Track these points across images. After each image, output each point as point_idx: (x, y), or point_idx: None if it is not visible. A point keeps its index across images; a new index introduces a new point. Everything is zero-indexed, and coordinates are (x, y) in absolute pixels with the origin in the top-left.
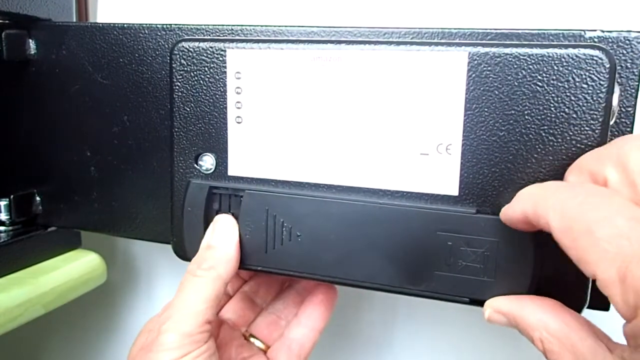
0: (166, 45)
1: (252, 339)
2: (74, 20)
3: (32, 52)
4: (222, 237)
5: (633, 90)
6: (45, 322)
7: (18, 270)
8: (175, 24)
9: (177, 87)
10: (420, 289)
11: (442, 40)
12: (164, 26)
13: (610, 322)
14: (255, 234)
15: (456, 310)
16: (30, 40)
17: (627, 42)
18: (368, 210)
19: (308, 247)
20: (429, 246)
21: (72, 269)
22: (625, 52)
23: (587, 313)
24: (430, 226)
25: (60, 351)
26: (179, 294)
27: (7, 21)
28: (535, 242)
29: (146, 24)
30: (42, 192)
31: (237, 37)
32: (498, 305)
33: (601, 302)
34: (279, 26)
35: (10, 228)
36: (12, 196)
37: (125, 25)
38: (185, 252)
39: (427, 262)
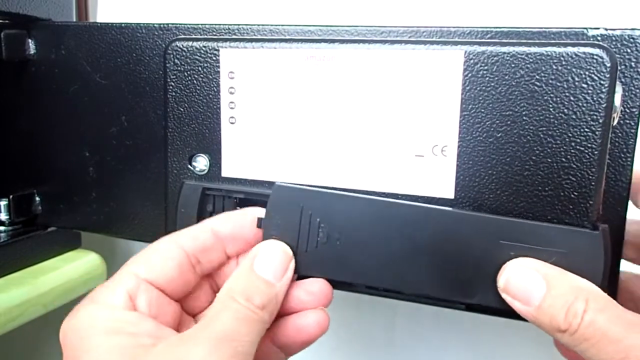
0: (163, 45)
1: None
2: (74, 20)
3: (32, 52)
4: (283, 273)
5: (637, 90)
6: (45, 322)
7: (18, 270)
8: (172, 24)
9: (170, 87)
10: (473, 301)
11: (438, 39)
12: (161, 25)
13: None
14: (285, 234)
15: (455, 312)
16: (30, 40)
17: (632, 40)
18: (418, 212)
19: (347, 250)
20: (487, 255)
21: (72, 269)
22: (629, 50)
23: None
24: (492, 234)
25: (60, 351)
26: (212, 323)
27: (6, 21)
28: (607, 256)
29: (143, 24)
30: (42, 192)
31: (231, 37)
32: None
33: None
34: (275, 25)
35: (10, 228)
36: (11, 196)
37: (122, 24)
38: None
39: (484, 272)
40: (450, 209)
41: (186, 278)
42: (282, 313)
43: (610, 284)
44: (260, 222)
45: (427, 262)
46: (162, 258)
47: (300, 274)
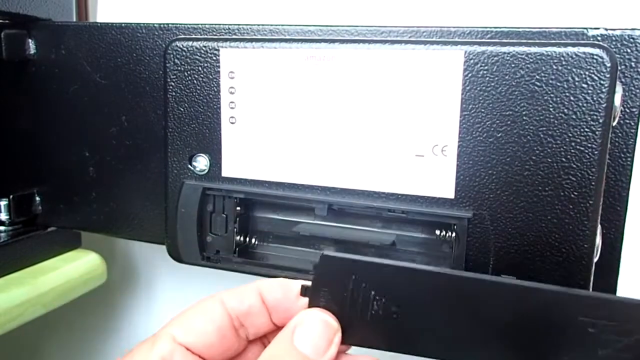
0: (163, 45)
1: None
2: (74, 20)
3: (32, 52)
4: (327, 348)
5: (637, 91)
6: (45, 322)
7: (18, 270)
8: (172, 24)
9: (171, 87)
10: None
11: (438, 39)
12: (161, 25)
13: None
14: (333, 304)
15: None
16: (30, 40)
17: (632, 40)
18: (485, 285)
19: (407, 322)
20: (563, 331)
21: (72, 269)
22: (629, 50)
23: None
24: (570, 309)
25: (60, 351)
26: None
27: (6, 21)
28: None
29: (143, 24)
30: (42, 192)
31: (231, 37)
32: None
33: None
34: (275, 25)
35: (10, 228)
36: (11, 196)
37: (122, 24)
38: (179, 253)
39: (558, 348)
40: (519, 281)
41: (228, 343)
42: None
43: (610, 282)
44: (305, 290)
45: (496, 338)
46: (203, 320)
47: (350, 344)
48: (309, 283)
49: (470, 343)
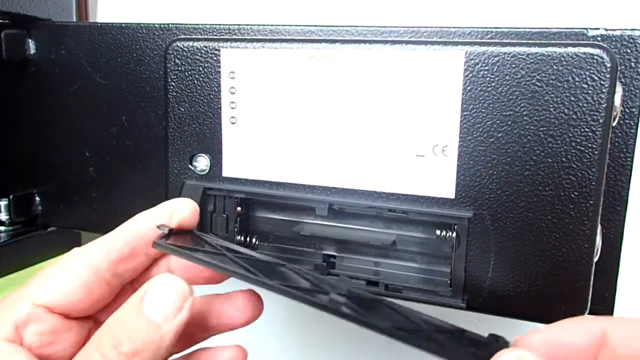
0: (164, 45)
1: None
2: (74, 20)
3: (32, 52)
4: (176, 312)
5: (637, 91)
6: None
7: (18, 270)
8: (173, 24)
9: (171, 87)
10: None
11: (438, 39)
12: (162, 25)
13: None
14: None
15: (456, 312)
16: (30, 40)
17: (632, 40)
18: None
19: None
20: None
21: None
22: (629, 51)
23: None
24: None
25: None
26: None
27: (6, 21)
28: None
29: (144, 24)
30: (42, 192)
31: (232, 37)
32: None
33: (602, 309)
34: (276, 25)
35: (10, 228)
36: (11, 196)
37: (123, 24)
38: None
39: None
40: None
41: (97, 295)
42: (205, 333)
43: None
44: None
45: None
46: (65, 278)
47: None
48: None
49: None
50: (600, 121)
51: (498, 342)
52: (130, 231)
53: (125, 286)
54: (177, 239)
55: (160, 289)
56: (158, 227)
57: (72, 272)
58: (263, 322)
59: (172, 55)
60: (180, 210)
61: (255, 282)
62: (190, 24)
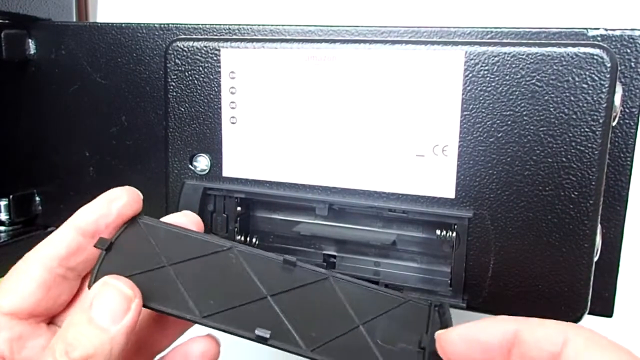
0: (164, 45)
1: None
2: (74, 20)
3: (32, 52)
4: (123, 314)
5: (637, 91)
6: None
7: None
8: (173, 24)
9: (171, 87)
10: None
11: (438, 39)
12: (162, 25)
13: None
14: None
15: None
16: (30, 40)
17: (632, 40)
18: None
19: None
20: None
21: None
22: (629, 50)
23: (588, 319)
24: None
25: None
26: None
27: (6, 21)
28: None
29: (144, 24)
30: (42, 192)
31: (232, 37)
32: None
33: (602, 309)
34: (276, 25)
35: (10, 228)
36: (11, 196)
37: (123, 24)
38: None
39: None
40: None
41: (57, 291)
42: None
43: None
44: (101, 244)
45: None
46: (23, 283)
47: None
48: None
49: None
50: (600, 121)
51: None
52: (74, 226)
53: (86, 278)
54: (122, 243)
55: (105, 294)
56: (95, 245)
57: (28, 275)
58: None
59: (172, 55)
60: (118, 199)
61: (190, 320)
62: (190, 24)
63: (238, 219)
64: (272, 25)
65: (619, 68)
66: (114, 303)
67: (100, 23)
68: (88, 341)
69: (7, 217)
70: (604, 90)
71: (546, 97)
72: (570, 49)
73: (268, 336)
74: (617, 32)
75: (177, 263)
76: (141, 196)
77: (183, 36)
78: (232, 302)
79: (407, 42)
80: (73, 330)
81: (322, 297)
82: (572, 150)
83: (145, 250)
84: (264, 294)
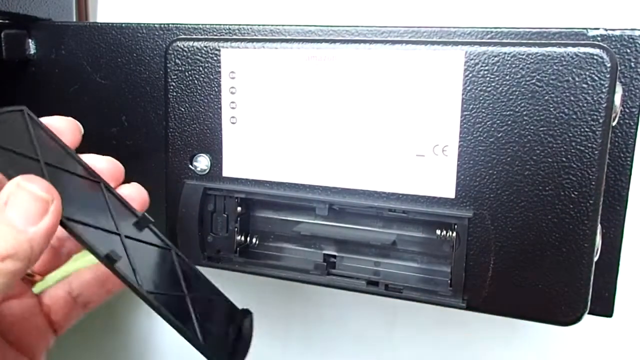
0: (164, 45)
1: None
2: (74, 20)
3: (32, 52)
4: (40, 217)
5: (637, 91)
6: None
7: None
8: (173, 24)
9: (171, 87)
10: None
11: (438, 39)
12: (162, 26)
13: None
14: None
15: (456, 312)
16: (30, 40)
17: (632, 40)
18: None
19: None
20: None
21: (72, 269)
22: (629, 50)
23: (588, 319)
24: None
25: (60, 351)
26: None
27: (6, 21)
28: None
29: (144, 24)
30: None
31: (232, 37)
32: None
33: (602, 309)
34: (276, 25)
35: None
36: None
37: (123, 25)
38: None
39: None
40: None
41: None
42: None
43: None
44: None
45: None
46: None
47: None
48: None
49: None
50: (600, 121)
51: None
52: None
53: None
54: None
55: (19, 196)
56: None
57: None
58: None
59: (172, 55)
60: None
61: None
62: (190, 24)
63: (238, 219)
64: (272, 25)
65: (619, 68)
66: (29, 205)
67: (100, 23)
68: (5, 242)
69: None
70: (604, 90)
71: (546, 97)
72: (570, 49)
73: (118, 260)
74: (617, 32)
75: (50, 166)
76: None
77: (183, 36)
78: (91, 221)
79: (407, 42)
80: None
81: (163, 261)
82: (572, 150)
83: (23, 140)
84: (117, 231)
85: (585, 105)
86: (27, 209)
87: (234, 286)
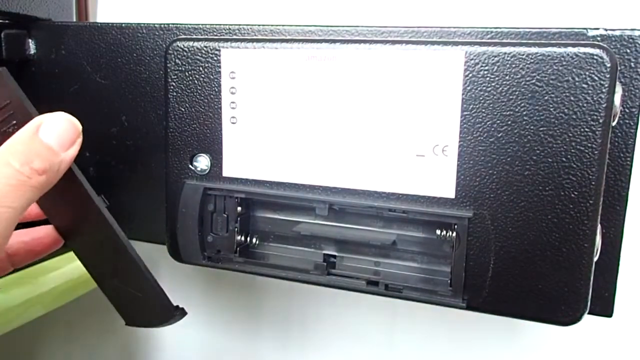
0: (164, 45)
1: None
2: (74, 20)
3: (32, 52)
4: (70, 144)
5: (637, 91)
6: (45, 322)
7: (18, 270)
8: (173, 24)
9: (171, 87)
10: None
11: (438, 39)
12: (162, 26)
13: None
14: None
15: (456, 311)
16: (30, 40)
17: (631, 40)
18: None
19: None
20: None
21: (72, 269)
22: (629, 50)
23: (588, 319)
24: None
25: (60, 351)
26: None
27: (6, 21)
28: None
29: (144, 24)
30: None
31: (232, 37)
32: None
33: (602, 309)
34: (276, 25)
35: None
36: None
37: (123, 25)
38: (180, 253)
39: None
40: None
41: None
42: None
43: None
44: None
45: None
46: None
47: None
48: None
49: None
50: (600, 121)
51: None
52: None
53: None
54: None
55: (57, 121)
56: None
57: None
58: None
59: (173, 55)
60: None
61: None
62: (190, 24)
63: (238, 219)
64: (272, 25)
65: (619, 68)
66: (65, 132)
67: (100, 23)
68: (44, 158)
69: None
70: (604, 90)
71: (546, 97)
72: (570, 49)
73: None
74: (617, 32)
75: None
76: None
77: (183, 36)
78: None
79: (407, 42)
80: (27, 147)
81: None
82: (572, 150)
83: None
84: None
85: (585, 105)
86: (61, 135)
87: (234, 286)
